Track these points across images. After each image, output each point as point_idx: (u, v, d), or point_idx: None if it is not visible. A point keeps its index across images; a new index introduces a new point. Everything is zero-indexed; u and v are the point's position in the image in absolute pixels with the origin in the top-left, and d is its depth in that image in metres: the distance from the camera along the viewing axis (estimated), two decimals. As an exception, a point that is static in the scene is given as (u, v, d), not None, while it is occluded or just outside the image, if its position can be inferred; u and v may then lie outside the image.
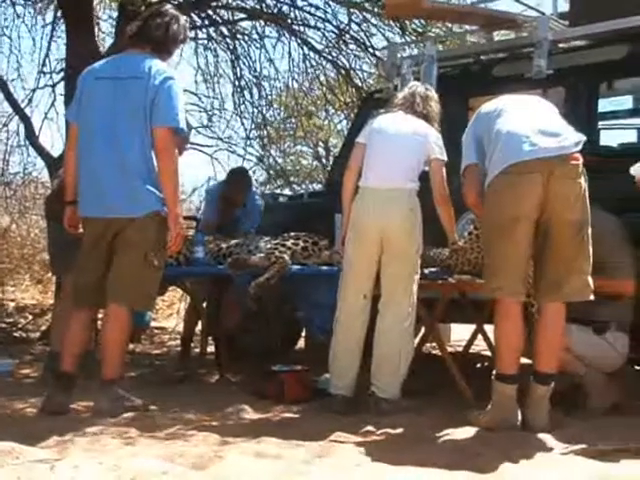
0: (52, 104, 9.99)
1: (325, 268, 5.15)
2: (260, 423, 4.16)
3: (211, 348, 6.17)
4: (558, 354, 4.06)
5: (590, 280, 4.02)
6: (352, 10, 9.51)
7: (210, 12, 9.78)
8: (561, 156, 3.92)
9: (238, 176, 6.54)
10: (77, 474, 3.00)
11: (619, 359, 4.56)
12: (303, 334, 6.89)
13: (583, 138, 4.00)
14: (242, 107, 10.60)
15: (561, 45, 5.59)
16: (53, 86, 10.01)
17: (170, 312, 11.38)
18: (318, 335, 5.17)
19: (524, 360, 4.16)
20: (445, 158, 4.51)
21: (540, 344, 4.05)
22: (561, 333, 4.05)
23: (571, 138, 3.98)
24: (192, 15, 9.15)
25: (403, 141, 4.54)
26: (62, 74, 9.28)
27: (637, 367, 4.98)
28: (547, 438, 3.75)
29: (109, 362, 4.23)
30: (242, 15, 10.07)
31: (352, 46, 9.90)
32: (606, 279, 4.50)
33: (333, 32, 9.88)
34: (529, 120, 4.07)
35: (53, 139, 28.41)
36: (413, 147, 4.52)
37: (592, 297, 4.04)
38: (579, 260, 4.00)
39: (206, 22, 9.94)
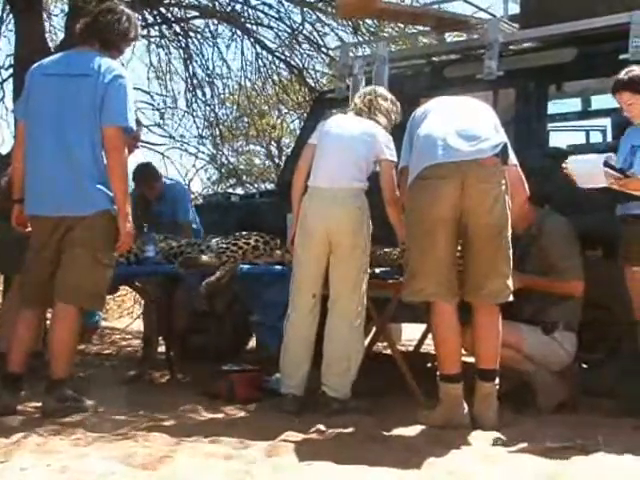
0: (1, 100, 9.87)
1: (276, 267, 5.14)
2: (211, 423, 4.14)
3: (161, 348, 6.13)
4: (497, 350, 4.10)
5: (510, 282, 4.08)
6: (305, 9, 9.52)
7: (162, 10, 9.73)
8: (476, 160, 3.97)
9: (139, 173, 6.42)
10: (24, 477, 2.97)
11: (567, 358, 4.63)
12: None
13: (503, 141, 4.05)
14: (194, 105, 10.58)
15: (511, 47, 5.65)
16: (2, 82, 9.89)
17: (121, 312, 11.29)
18: (270, 349, 5.15)
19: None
20: (395, 159, 4.52)
21: (477, 342, 4.11)
22: (496, 330, 4.10)
23: (490, 141, 4.02)
24: (144, 12, 9.09)
25: (351, 142, 4.55)
26: (11, 70, 9.15)
27: (585, 365, 5.04)
28: (496, 435, 3.79)
29: (58, 362, 4.18)
30: (195, 13, 10.04)
31: (305, 45, 9.93)
32: (556, 280, 4.58)
33: (286, 31, 9.89)
34: (448, 123, 4.11)
35: (3, 136, 28.01)
36: (362, 148, 4.53)
37: (511, 298, 4.10)
38: (497, 263, 4.05)
39: (158, 20, 9.88)
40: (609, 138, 6.45)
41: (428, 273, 4.04)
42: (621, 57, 4.77)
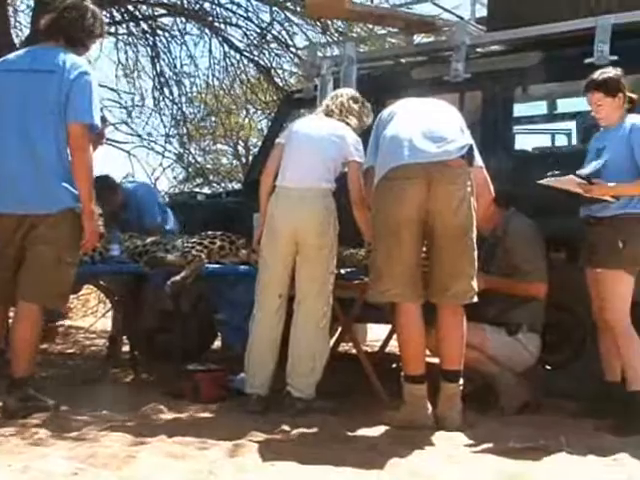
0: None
1: (242, 267, 5.12)
2: (174, 423, 4.11)
3: (126, 347, 6.09)
4: (461, 351, 4.12)
5: (474, 283, 4.10)
6: (274, 9, 9.51)
7: (130, 7, 9.67)
8: (443, 161, 3.98)
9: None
10: (-16, 477, 2.93)
11: (531, 359, 4.66)
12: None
13: (469, 143, 4.07)
14: (162, 104, 10.52)
15: (479, 50, 5.67)
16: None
17: (85, 311, 11.18)
18: (234, 346, 5.14)
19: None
20: (362, 160, 4.53)
21: (442, 343, 4.14)
22: (460, 331, 4.13)
23: (456, 143, 4.04)
24: (112, 10, 9.03)
25: (320, 142, 4.55)
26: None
27: (548, 367, 5.08)
28: (459, 436, 3.82)
29: (19, 360, 4.14)
30: (163, 11, 9.99)
31: (273, 45, 9.91)
32: (520, 282, 4.61)
33: (255, 31, 9.87)
34: (414, 125, 4.13)
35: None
36: (330, 148, 4.53)
37: (475, 299, 4.12)
38: (463, 264, 4.08)
39: (126, 17, 9.82)
40: (574, 141, 6.51)
41: (393, 274, 4.05)
42: (586, 61, 4.81)
